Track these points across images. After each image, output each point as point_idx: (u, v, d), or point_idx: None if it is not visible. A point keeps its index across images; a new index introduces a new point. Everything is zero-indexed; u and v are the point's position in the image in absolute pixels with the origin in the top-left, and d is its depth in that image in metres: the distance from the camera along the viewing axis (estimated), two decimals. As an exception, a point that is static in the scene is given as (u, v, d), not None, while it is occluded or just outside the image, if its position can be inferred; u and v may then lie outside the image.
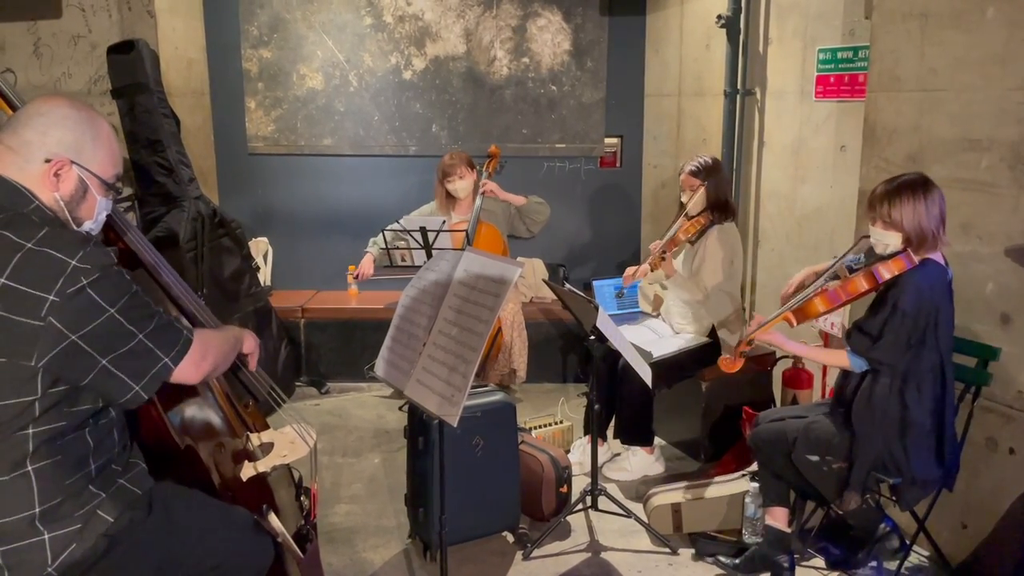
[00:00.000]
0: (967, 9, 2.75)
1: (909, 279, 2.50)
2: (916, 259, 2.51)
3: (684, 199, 3.68)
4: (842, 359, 2.68)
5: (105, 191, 1.80)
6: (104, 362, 1.63)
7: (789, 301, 2.74)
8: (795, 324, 2.67)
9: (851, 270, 2.68)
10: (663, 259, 3.53)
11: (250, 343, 2.11)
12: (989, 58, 2.69)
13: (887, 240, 2.56)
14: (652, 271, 3.62)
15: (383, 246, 4.28)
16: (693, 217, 3.65)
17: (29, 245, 1.60)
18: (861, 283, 2.56)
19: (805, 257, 3.90)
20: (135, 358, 1.67)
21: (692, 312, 3.75)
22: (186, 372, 1.75)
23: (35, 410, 1.61)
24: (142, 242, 2.11)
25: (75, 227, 1.77)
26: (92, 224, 1.81)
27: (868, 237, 2.65)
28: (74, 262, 1.59)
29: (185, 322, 2.14)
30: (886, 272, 2.51)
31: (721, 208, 3.65)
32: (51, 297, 1.57)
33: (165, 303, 2.12)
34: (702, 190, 3.61)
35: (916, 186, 2.52)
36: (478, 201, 4.37)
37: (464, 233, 4.20)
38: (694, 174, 3.62)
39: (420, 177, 5.20)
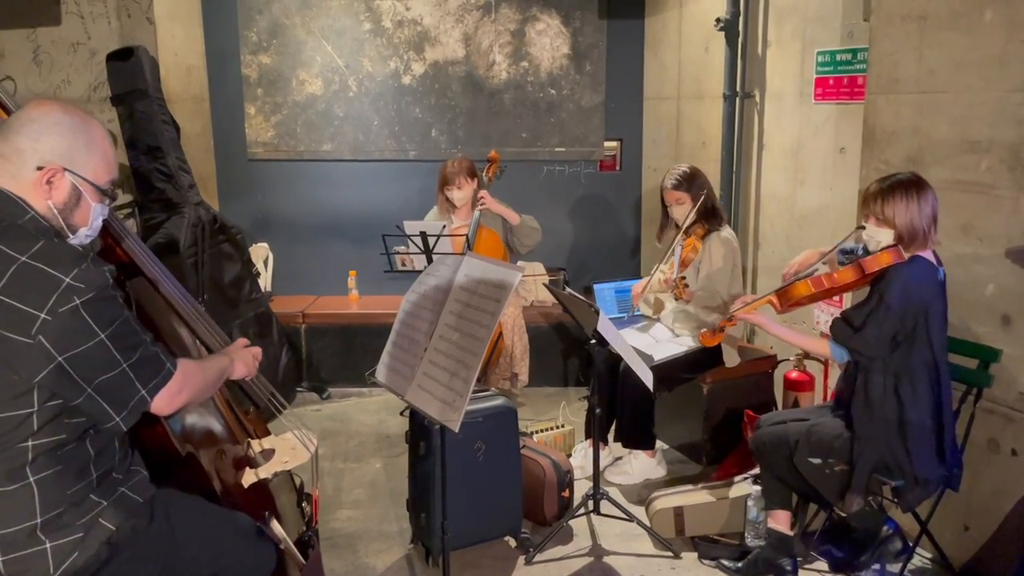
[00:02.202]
0: (966, 11, 2.75)
1: (897, 274, 2.53)
2: (905, 255, 2.55)
3: (675, 214, 3.71)
4: (824, 347, 2.75)
5: (99, 197, 1.77)
6: (89, 390, 1.62)
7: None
8: (779, 307, 2.72)
9: (849, 253, 2.74)
10: (687, 287, 3.48)
11: (241, 370, 2.05)
12: (988, 60, 2.70)
13: (879, 237, 2.61)
14: (678, 301, 3.58)
15: (382, 251, 4.26)
16: (689, 230, 3.66)
17: (23, 259, 1.58)
18: (848, 273, 2.62)
19: (805, 259, 3.89)
20: (117, 388, 1.65)
21: (691, 316, 3.74)
22: (159, 405, 1.72)
23: (33, 423, 1.61)
24: (141, 249, 2.10)
25: (70, 234, 1.75)
26: (88, 231, 1.79)
27: (863, 228, 2.68)
28: (68, 280, 1.57)
29: (185, 335, 2.14)
30: (873, 265, 2.56)
31: (712, 214, 3.67)
32: (43, 315, 1.55)
33: (166, 313, 2.12)
34: (689, 201, 3.64)
35: (909, 185, 2.57)
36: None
37: (464, 238, 4.19)
38: (677, 187, 3.66)
39: (420, 181, 5.20)
